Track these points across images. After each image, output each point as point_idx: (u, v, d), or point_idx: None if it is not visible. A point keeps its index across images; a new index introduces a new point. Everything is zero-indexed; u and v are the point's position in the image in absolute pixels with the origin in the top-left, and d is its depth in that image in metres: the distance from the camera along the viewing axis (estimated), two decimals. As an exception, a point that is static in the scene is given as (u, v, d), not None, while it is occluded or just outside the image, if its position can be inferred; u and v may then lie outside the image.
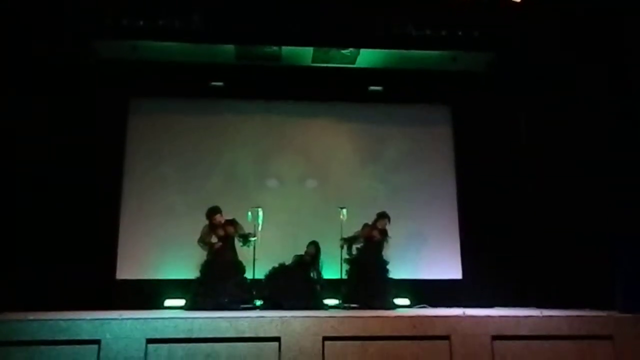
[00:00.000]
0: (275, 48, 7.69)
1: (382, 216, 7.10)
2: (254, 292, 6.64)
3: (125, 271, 7.76)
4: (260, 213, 7.01)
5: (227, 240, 6.71)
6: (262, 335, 4.61)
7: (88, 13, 6.81)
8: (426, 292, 7.41)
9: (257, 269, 6.85)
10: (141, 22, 6.89)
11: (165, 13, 6.90)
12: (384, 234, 7.06)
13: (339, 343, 4.67)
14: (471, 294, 7.33)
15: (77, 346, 4.47)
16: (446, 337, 4.76)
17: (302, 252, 7.19)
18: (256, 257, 6.88)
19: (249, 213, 6.99)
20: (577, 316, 5.01)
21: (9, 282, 6.15)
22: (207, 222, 6.73)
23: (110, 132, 7.97)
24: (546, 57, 7.37)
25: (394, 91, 8.44)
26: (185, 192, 8.14)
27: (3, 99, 6.44)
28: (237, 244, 6.79)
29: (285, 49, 7.71)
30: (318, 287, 6.87)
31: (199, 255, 6.77)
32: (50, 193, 7.31)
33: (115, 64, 7.83)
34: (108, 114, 7.96)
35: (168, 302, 7.12)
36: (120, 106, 8.18)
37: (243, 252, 6.83)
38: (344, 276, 7.03)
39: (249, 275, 6.75)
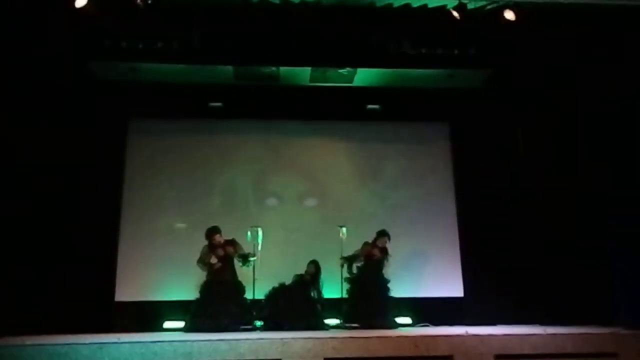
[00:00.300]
0: (273, 68, 7.74)
1: (382, 234, 7.08)
2: (254, 313, 6.58)
3: (125, 293, 7.68)
4: (260, 233, 7.00)
5: (227, 261, 6.67)
6: (262, 357, 4.56)
7: (87, 35, 6.87)
8: (428, 310, 7.35)
9: (257, 289, 6.81)
10: (140, 45, 6.96)
11: (164, 35, 6.97)
12: (384, 252, 7.02)
13: (340, 364, 4.61)
14: (473, 312, 7.28)
15: (76, 371, 4.41)
16: (449, 357, 4.71)
17: (302, 272, 7.14)
18: (256, 277, 6.85)
19: (249, 233, 6.98)
20: (581, 334, 4.96)
21: (6, 305, 6.10)
22: (206, 242, 6.70)
23: (109, 153, 7.98)
24: (543, 73, 7.42)
25: (392, 109, 8.47)
26: (184, 212, 8.13)
27: (1, 120, 6.46)
28: (237, 264, 6.75)
29: (283, 69, 7.76)
30: (319, 306, 6.82)
31: (199, 275, 6.72)
32: (49, 214, 7.29)
33: (115, 85, 7.87)
34: (107, 134, 7.98)
35: (167, 324, 7.06)
36: (120, 127, 8.21)
37: (243, 272, 6.79)
38: (345, 295, 6.98)
39: (248, 295, 6.70)
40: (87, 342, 4.53)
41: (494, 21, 6.17)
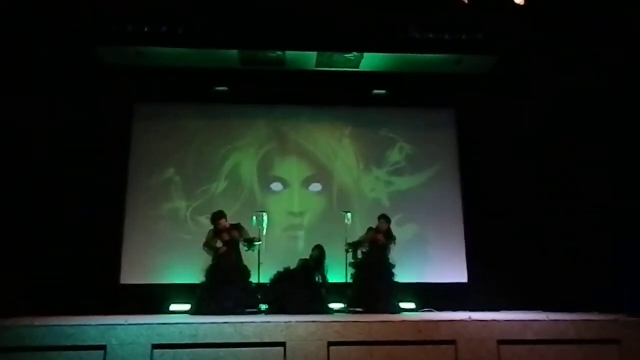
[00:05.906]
0: (279, 53, 7.70)
1: (381, 218, 7.09)
2: (259, 297, 6.63)
3: (130, 276, 7.78)
4: (265, 217, 7.02)
5: (232, 245, 6.70)
6: (267, 340, 4.60)
7: (92, 19, 6.85)
8: (432, 296, 7.38)
9: (262, 274, 6.85)
10: (145, 28, 6.93)
11: (169, 19, 6.94)
12: (389, 237, 7.03)
13: (344, 348, 4.64)
14: (477, 298, 7.30)
15: (83, 352, 4.46)
16: (452, 342, 4.73)
17: (307, 257, 7.18)
18: (261, 261, 6.88)
19: (254, 217, 7.00)
20: (584, 320, 4.97)
21: (14, 287, 6.18)
22: (212, 226, 6.74)
23: (115, 137, 8.03)
24: (550, 59, 7.35)
25: (398, 94, 8.45)
26: (189, 196, 8.18)
27: (8, 105, 6.48)
28: (242, 248, 6.78)
29: (289, 53, 7.72)
30: (323, 291, 6.86)
31: (204, 259, 6.77)
32: (55, 197, 7.36)
33: (120, 70, 7.87)
34: (112, 119, 8.02)
35: (173, 307, 7.13)
36: (125, 112, 8.23)
37: (248, 257, 6.83)
38: (349, 280, 7.02)
39: (254, 279, 6.74)
40: (94, 323, 4.59)
41: (502, 6, 6.10)
